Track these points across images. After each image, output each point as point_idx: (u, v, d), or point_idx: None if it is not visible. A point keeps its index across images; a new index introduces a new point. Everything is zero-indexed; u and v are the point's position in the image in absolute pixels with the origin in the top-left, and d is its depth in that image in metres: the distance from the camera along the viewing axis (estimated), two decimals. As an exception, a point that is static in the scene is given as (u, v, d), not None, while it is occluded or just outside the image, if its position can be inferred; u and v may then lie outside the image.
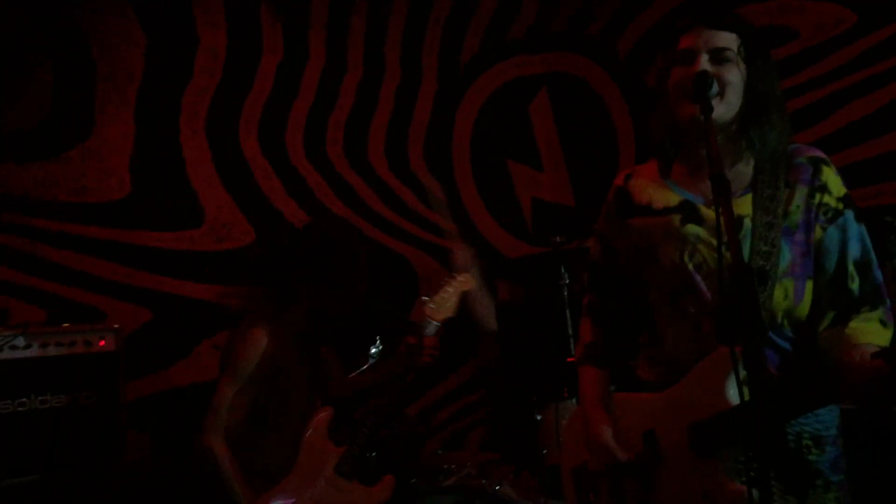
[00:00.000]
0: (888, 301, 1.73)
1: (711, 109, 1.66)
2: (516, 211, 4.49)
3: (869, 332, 1.67)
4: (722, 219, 1.52)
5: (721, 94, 1.73)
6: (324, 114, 4.24)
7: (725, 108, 1.75)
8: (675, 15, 4.17)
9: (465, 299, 2.70)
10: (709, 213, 1.77)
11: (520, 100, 4.51)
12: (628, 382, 1.92)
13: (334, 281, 2.70)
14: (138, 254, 3.84)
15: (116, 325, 3.31)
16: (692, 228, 1.79)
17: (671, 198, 1.86)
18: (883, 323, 1.70)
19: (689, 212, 1.81)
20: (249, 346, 2.59)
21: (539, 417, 3.33)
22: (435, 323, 2.62)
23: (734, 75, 1.75)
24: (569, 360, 3.18)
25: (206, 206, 3.97)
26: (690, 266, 1.77)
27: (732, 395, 1.63)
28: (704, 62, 1.74)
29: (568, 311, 3.23)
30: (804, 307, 1.75)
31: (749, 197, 1.77)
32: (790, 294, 1.74)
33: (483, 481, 3.28)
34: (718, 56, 1.75)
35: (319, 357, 2.82)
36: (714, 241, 1.69)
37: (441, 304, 2.64)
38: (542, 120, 4.52)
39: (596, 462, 1.89)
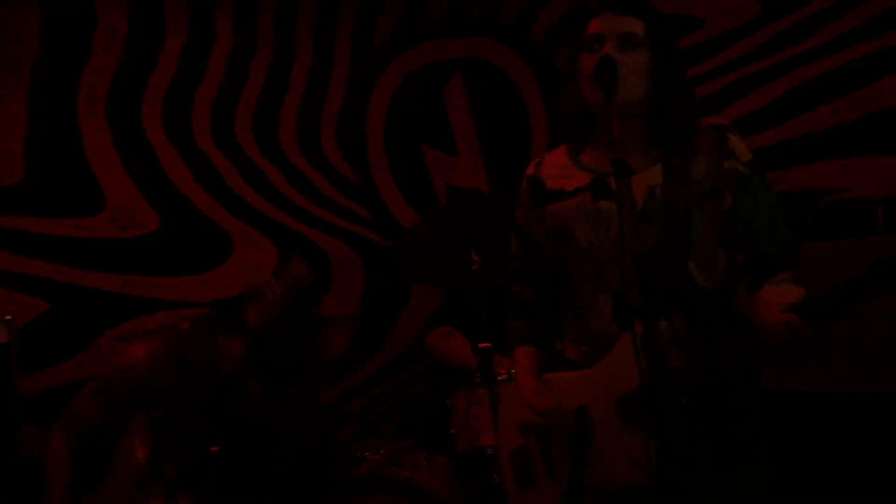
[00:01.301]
0: (798, 261, 1.78)
1: (615, 94, 1.69)
2: (431, 196, 4.47)
3: (782, 292, 1.72)
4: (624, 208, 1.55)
5: (625, 78, 1.75)
6: (232, 97, 4.13)
7: (629, 92, 1.78)
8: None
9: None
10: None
11: (434, 85, 4.48)
12: (556, 364, 1.95)
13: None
14: (32, 242, 3.68)
15: (9, 317, 3.17)
16: (604, 204, 1.83)
17: (582, 178, 1.89)
18: (796, 281, 1.75)
19: (599, 188, 1.85)
20: None
21: (448, 403, 3.32)
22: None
23: (639, 61, 1.79)
24: (480, 345, 3.18)
25: (106, 191, 3.82)
26: (607, 242, 1.81)
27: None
28: (611, 47, 1.77)
29: (480, 298, 3.23)
30: (719, 273, 1.79)
31: (659, 167, 1.81)
32: (705, 261, 1.78)
33: (395, 469, 3.26)
34: (625, 41, 1.79)
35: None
36: (632, 215, 1.73)
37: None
38: (457, 105, 4.50)
39: (529, 433, 1.92)
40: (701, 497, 1.66)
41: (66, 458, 2.47)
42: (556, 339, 2.00)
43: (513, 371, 2.89)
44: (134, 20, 3.93)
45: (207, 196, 4.03)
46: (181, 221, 3.95)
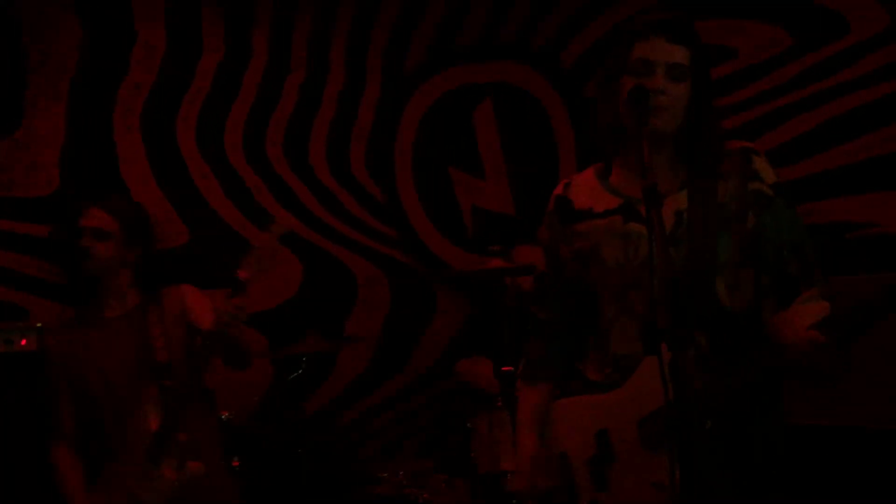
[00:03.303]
0: (826, 278, 1.77)
1: (646, 123, 1.70)
2: (457, 218, 4.49)
3: (808, 310, 1.70)
4: (655, 232, 1.55)
5: (670, 109, 1.78)
6: (265, 114, 4.18)
7: (670, 122, 1.80)
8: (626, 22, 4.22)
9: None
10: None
11: (464, 108, 4.52)
12: (577, 386, 1.94)
13: None
14: (65, 251, 3.72)
15: (39, 324, 3.22)
16: (635, 227, 1.84)
17: (611, 200, 1.90)
18: (824, 298, 1.73)
19: (629, 212, 1.86)
20: None
21: (470, 426, 3.32)
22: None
23: (684, 92, 1.80)
24: (504, 368, 3.17)
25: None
26: (635, 263, 1.82)
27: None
28: (661, 76, 1.77)
29: (505, 321, 3.24)
30: (746, 295, 1.79)
31: (686, 192, 1.82)
32: (732, 283, 1.78)
33: (414, 490, 3.26)
34: (674, 71, 1.79)
35: None
36: (662, 240, 1.73)
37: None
38: (486, 129, 4.53)
39: (519, 483, 1.96)
40: None
41: (74, 460, 2.57)
42: (576, 360, 1.99)
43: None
44: (172, 37, 4.00)
45: (237, 211, 4.07)
46: (210, 236, 4.00)
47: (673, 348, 1.49)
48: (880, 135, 3.23)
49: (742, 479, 1.73)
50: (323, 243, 4.23)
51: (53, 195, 3.76)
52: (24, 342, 3.16)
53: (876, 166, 3.23)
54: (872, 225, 3.21)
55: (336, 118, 4.30)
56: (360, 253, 4.30)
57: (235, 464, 3.19)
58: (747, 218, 1.79)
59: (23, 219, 3.69)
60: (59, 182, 3.77)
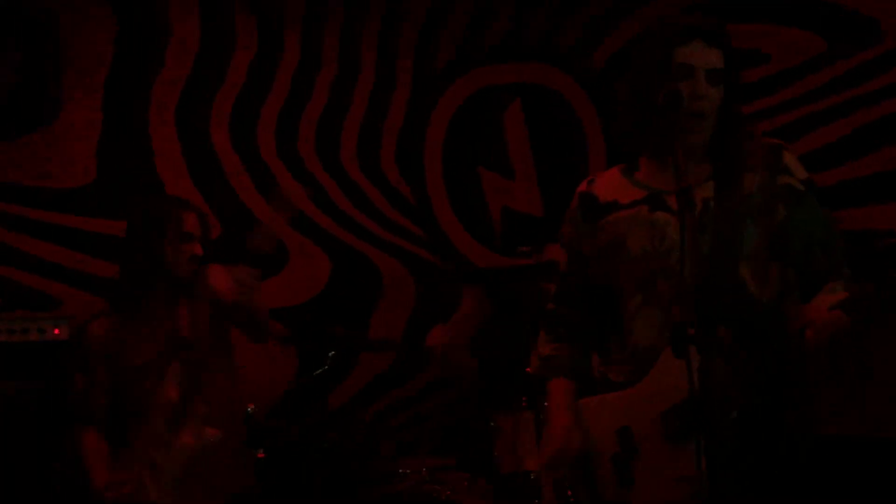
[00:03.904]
0: (853, 275, 1.79)
1: (683, 128, 1.74)
2: (485, 218, 4.50)
3: (832, 299, 1.70)
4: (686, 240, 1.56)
5: (708, 113, 1.81)
6: (296, 111, 4.21)
7: (706, 131, 1.83)
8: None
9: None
10: (673, 201, 1.79)
11: (494, 108, 4.52)
12: (600, 387, 1.95)
13: None
14: (99, 242, 3.79)
15: (71, 314, 3.27)
16: (661, 216, 1.85)
17: (637, 193, 1.91)
18: (847, 287, 1.74)
19: (656, 201, 1.87)
20: None
21: (493, 425, 3.33)
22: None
23: (720, 95, 1.82)
24: (528, 369, 3.18)
25: (172, 197, 3.92)
26: (661, 250, 1.82)
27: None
28: (702, 80, 1.80)
29: (528, 321, 3.24)
30: (772, 286, 1.80)
31: (711, 183, 1.83)
32: (758, 273, 1.79)
33: (436, 487, 3.27)
34: (713, 76, 1.81)
35: None
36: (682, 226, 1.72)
37: None
38: (516, 129, 4.54)
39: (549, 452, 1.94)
40: None
41: (101, 444, 2.65)
42: (598, 362, 2.00)
43: None
44: (206, 33, 4.04)
45: (268, 206, 4.11)
46: (241, 229, 4.03)
47: (702, 352, 1.50)
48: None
49: (766, 472, 1.73)
50: (351, 240, 4.26)
51: (89, 186, 3.81)
52: (56, 331, 3.21)
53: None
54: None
55: (367, 116, 4.33)
56: (388, 251, 4.32)
57: (261, 455, 3.22)
58: (776, 211, 1.80)
59: (58, 209, 3.75)
60: (95, 174, 3.82)
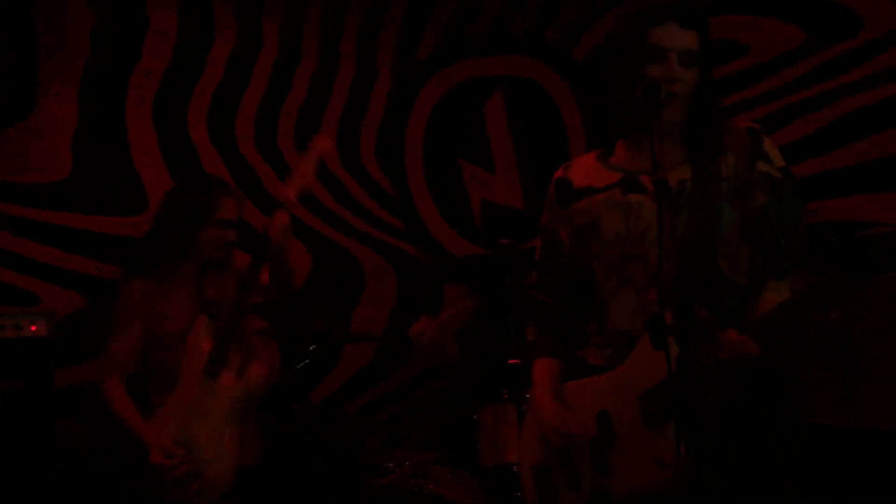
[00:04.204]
0: (806, 271, 1.79)
1: (657, 115, 1.72)
2: (465, 210, 4.49)
3: (769, 302, 1.72)
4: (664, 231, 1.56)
5: (681, 96, 1.80)
6: (276, 104, 4.19)
7: (679, 107, 1.81)
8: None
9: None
10: (648, 182, 1.81)
11: (475, 101, 4.51)
12: (578, 371, 1.95)
13: None
14: (76, 237, 3.75)
15: (49, 310, 3.23)
16: (634, 198, 1.85)
17: (611, 176, 1.91)
18: (795, 282, 1.76)
19: (630, 184, 1.87)
20: None
21: (476, 418, 3.33)
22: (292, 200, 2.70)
23: (694, 77, 1.81)
24: (510, 361, 3.18)
25: (150, 191, 3.89)
26: (636, 233, 1.82)
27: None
28: (674, 62, 1.79)
29: (509, 313, 3.24)
30: (743, 271, 1.80)
31: (687, 165, 1.83)
32: (732, 256, 1.79)
33: (420, 480, 3.27)
34: (687, 58, 1.80)
35: None
36: (657, 206, 1.71)
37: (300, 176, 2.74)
38: (497, 122, 4.53)
39: (549, 447, 1.93)
40: (729, 496, 1.65)
41: (125, 393, 2.72)
42: (576, 347, 2.00)
43: None
44: (184, 25, 4.00)
45: (247, 200, 4.08)
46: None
47: (680, 342, 1.49)
48: (892, 134, 3.22)
49: (750, 458, 1.73)
50: (332, 234, 4.24)
51: (66, 181, 3.77)
52: (33, 328, 3.16)
53: (887, 166, 3.22)
54: (882, 224, 3.20)
55: (346, 109, 4.31)
56: (369, 244, 4.31)
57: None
58: (754, 196, 1.81)
59: (35, 204, 3.71)
60: (71, 167, 3.78)
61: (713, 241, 1.78)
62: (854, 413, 2.55)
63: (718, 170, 1.81)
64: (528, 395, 3.12)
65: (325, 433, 3.63)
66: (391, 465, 3.42)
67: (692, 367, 1.48)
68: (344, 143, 4.30)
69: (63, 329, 3.50)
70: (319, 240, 4.20)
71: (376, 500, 3.27)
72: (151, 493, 2.60)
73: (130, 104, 3.90)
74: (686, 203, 1.79)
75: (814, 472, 1.89)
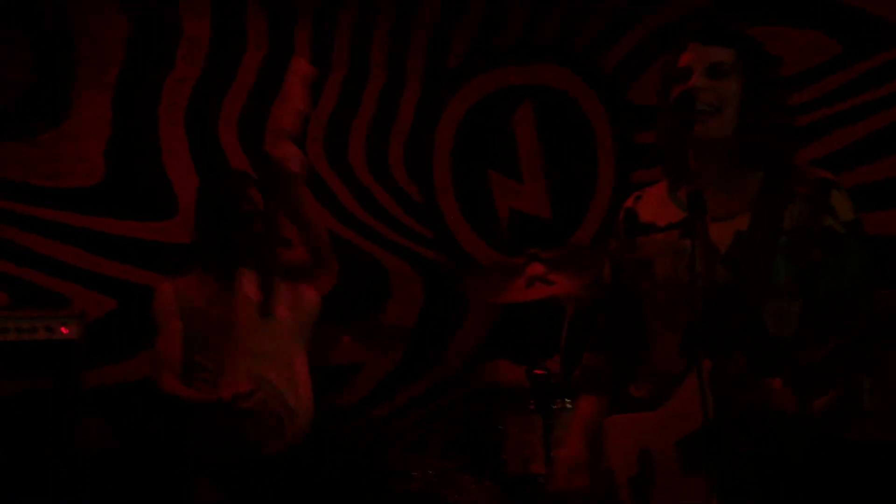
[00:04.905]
0: (861, 327, 1.72)
1: (691, 129, 1.72)
2: (493, 220, 4.48)
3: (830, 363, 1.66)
4: (698, 242, 1.55)
5: (718, 109, 1.77)
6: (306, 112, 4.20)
7: (721, 122, 1.78)
8: (664, 33, 4.20)
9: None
10: (710, 228, 1.79)
11: (503, 110, 4.51)
12: (623, 402, 1.95)
13: None
14: (108, 241, 3.79)
15: (79, 313, 3.27)
16: (688, 243, 1.80)
17: (676, 214, 1.89)
18: (842, 349, 1.68)
19: (688, 227, 1.83)
20: None
21: (501, 428, 3.32)
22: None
23: (731, 89, 1.78)
24: (536, 371, 3.17)
25: (180, 197, 3.92)
26: (684, 279, 1.79)
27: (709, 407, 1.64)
28: (699, 76, 1.77)
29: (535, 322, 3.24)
30: (793, 324, 1.76)
31: (749, 216, 1.80)
32: (781, 310, 1.75)
33: (444, 489, 3.26)
34: (714, 70, 1.78)
35: None
36: (710, 254, 1.73)
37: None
38: (525, 131, 4.52)
39: (556, 484, 1.96)
40: None
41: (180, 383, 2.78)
42: (627, 379, 1.98)
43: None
44: (217, 32, 4.04)
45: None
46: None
47: (714, 359, 1.47)
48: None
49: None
50: (359, 241, 4.25)
51: (98, 186, 3.81)
52: (64, 330, 3.20)
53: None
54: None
55: (376, 117, 4.32)
56: (395, 252, 4.31)
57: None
58: (813, 252, 1.75)
59: (68, 208, 3.76)
60: (104, 173, 3.83)
61: (761, 295, 1.74)
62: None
63: (781, 221, 1.76)
64: (554, 408, 3.12)
65: (349, 438, 3.63)
66: (415, 472, 3.42)
67: (729, 416, 1.45)
68: (372, 150, 4.31)
69: (93, 331, 3.54)
70: (346, 246, 4.20)
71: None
72: (229, 428, 2.65)
73: (163, 111, 3.94)
74: (739, 256, 1.76)
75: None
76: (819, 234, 1.76)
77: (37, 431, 3.05)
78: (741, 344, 1.72)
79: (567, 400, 3.24)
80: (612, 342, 2.03)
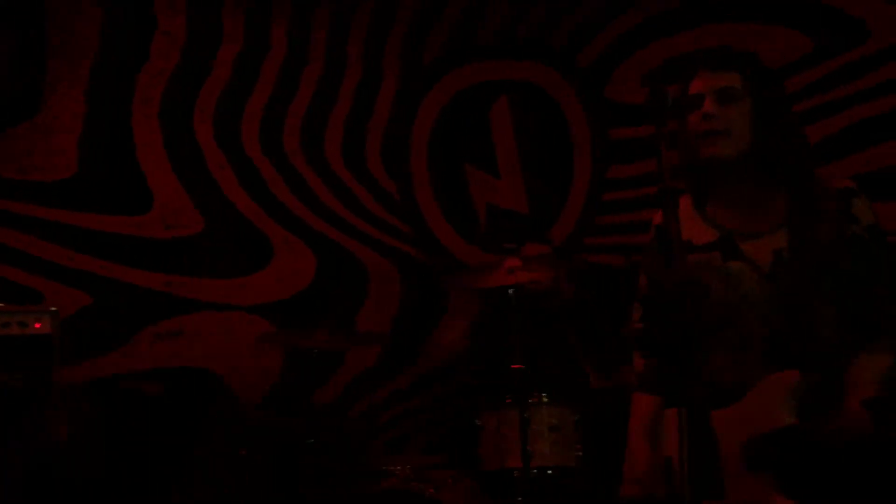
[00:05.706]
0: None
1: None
2: (471, 215, 4.49)
3: (872, 367, 1.81)
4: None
5: (727, 130, 1.85)
6: (282, 106, 4.19)
7: (734, 144, 1.86)
8: (642, 31, 4.23)
9: None
10: (746, 247, 1.89)
11: (481, 105, 4.51)
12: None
13: None
14: (82, 236, 3.76)
15: (54, 308, 3.23)
16: (735, 265, 1.91)
17: (709, 233, 1.96)
18: (889, 349, 1.83)
19: (728, 248, 1.92)
20: None
21: (478, 423, 3.33)
22: None
23: (741, 111, 1.86)
24: (513, 366, 3.18)
25: (155, 191, 3.90)
26: (734, 300, 1.88)
27: (787, 414, 1.76)
28: (710, 103, 1.86)
29: (514, 317, 3.24)
30: (833, 335, 1.85)
31: (784, 231, 1.87)
32: (826, 322, 1.85)
33: (420, 485, 3.26)
34: (723, 95, 1.87)
35: None
36: (756, 275, 1.84)
37: None
38: (502, 126, 4.53)
39: (633, 490, 2.00)
40: None
41: None
42: (683, 379, 2.02)
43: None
44: (192, 26, 4.01)
45: (251, 202, 4.09)
46: (225, 225, 4.01)
47: (802, 370, 1.61)
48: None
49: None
50: (336, 236, 4.23)
51: (72, 180, 3.78)
52: (38, 325, 3.17)
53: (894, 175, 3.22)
54: (892, 233, 3.19)
55: (352, 112, 4.31)
56: (373, 247, 4.30)
57: (242, 452, 3.21)
58: (845, 260, 1.85)
59: (41, 202, 3.72)
60: (77, 166, 3.79)
61: (809, 309, 1.83)
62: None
63: (816, 237, 1.85)
64: (530, 402, 3.13)
65: (327, 435, 3.63)
66: (393, 468, 3.42)
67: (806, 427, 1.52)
68: (349, 146, 4.30)
69: (67, 327, 3.51)
70: (323, 241, 4.19)
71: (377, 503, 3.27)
72: None
73: (137, 104, 3.91)
74: (783, 273, 1.84)
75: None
76: (848, 242, 1.85)
77: (8, 427, 3.02)
78: (796, 361, 1.80)
79: (543, 395, 3.26)
80: (659, 349, 2.07)
